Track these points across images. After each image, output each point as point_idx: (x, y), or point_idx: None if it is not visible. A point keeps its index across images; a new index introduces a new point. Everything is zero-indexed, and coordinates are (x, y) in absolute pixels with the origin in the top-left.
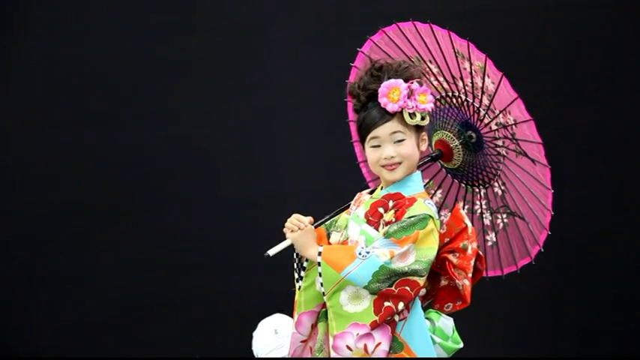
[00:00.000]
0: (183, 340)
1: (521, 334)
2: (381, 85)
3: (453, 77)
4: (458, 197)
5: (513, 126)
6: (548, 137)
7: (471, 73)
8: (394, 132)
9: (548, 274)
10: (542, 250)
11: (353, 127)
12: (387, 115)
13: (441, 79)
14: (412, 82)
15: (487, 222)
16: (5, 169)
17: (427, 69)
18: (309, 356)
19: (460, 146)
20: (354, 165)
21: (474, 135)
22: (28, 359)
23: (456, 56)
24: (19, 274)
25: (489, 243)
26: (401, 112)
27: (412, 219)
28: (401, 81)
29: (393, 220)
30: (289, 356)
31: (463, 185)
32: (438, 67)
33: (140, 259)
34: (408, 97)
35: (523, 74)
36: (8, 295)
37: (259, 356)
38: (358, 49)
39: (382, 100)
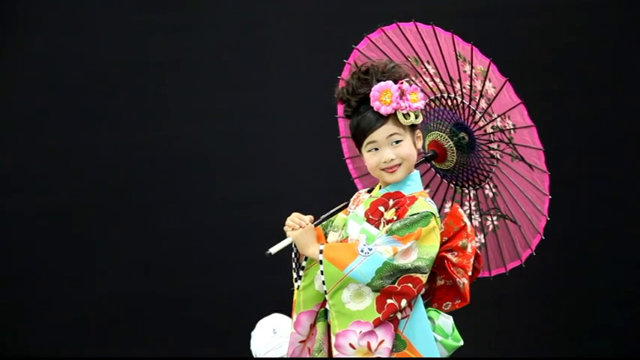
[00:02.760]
0: (182, 340)
1: (521, 333)
2: (372, 88)
3: (451, 79)
4: (446, 197)
5: (511, 130)
6: (547, 136)
7: (470, 76)
8: (391, 134)
9: (548, 274)
10: (535, 254)
11: (341, 123)
12: (381, 119)
13: (438, 80)
14: (402, 83)
15: (476, 223)
16: (3, 169)
17: (424, 69)
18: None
19: (454, 147)
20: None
21: (466, 136)
22: (26, 359)
23: (457, 58)
24: (17, 274)
25: (477, 244)
26: (395, 114)
27: (415, 216)
28: (391, 82)
29: (394, 218)
30: (288, 356)
31: (452, 186)
32: (436, 68)
33: (139, 259)
34: (400, 98)
35: (523, 74)
36: (7, 296)
37: (257, 356)
38: (354, 45)
39: (375, 104)
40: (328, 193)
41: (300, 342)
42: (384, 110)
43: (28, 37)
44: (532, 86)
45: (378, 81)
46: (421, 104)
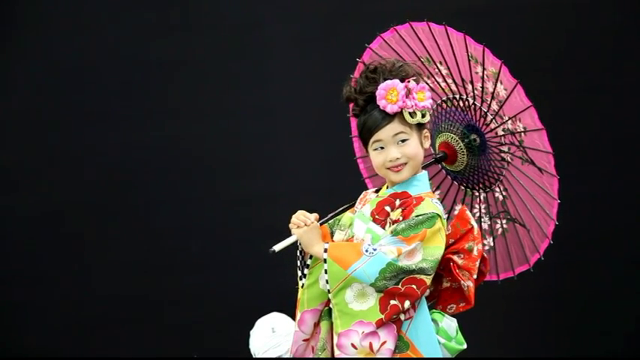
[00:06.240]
0: (181, 339)
1: (521, 334)
2: (378, 87)
3: (463, 80)
4: (456, 199)
5: (522, 133)
6: (550, 136)
7: (482, 77)
8: (397, 133)
9: (549, 274)
10: (543, 259)
11: (354, 123)
12: (387, 117)
13: (450, 80)
14: (409, 81)
15: (485, 226)
16: (2, 169)
17: (436, 70)
18: (312, 356)
19: (464, 149)
20: (353, 163)
21: (477, 138)
22: (24, 359)
23: (469, 60)
24: (15, 274)
25: (486, 247)
26: (401, 113)
27: (420, 217)
28: (397, 81)
29: (400, 218)
30: (291, 355)
31: (463, 188)
32: (448, 68)
33: (137, 259)
34: (407, 97)
35: (526, 72)
36: (6, 296)
37: (256, 355)
38: (367, 44)
39: (381, 103)
40: (329, 192)
41: (303, 340)
42: (390, 109)
43: (28, 37)
44: (532, 86)
45: (385, 79)
46: (428, 103)
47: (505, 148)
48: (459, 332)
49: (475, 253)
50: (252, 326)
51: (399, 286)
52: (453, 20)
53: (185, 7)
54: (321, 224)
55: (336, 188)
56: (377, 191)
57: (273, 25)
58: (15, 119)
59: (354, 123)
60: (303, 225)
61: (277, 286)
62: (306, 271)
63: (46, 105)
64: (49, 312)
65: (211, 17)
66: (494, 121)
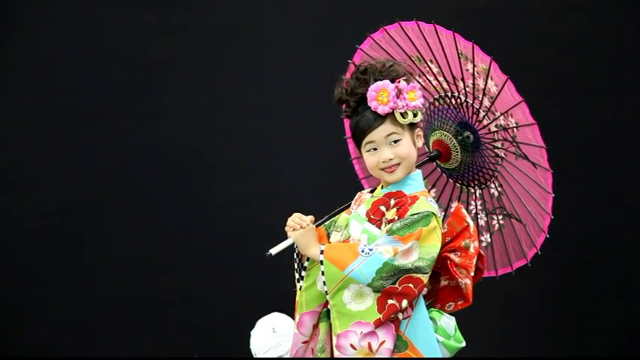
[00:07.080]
0: (182, 339)
1: (521, 333)
2: (369, 88)
3: (454, 78)
4: (452, 197)
5: (514, 129)
6: (550, 136)
7: (473, 74)
8: (389, 134)
9: (549, 274)
10: (540, 253)
11: (347, 124)
12: (379, 118)
13: (441, 78)
14: (399, 81)
15: (482, 222)
16: (2, 168)
17: (427, 68)
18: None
19: (458, 146)
20: (351, 164)
21: (471, 135)
22: (24, 359)
23: (459, 57)
24: (16, 274)
25: (484, 244)
26: (393, 113)
27: (415, 216)
28: (388, 82)
29: (396, 218)
30: (292, 356)
31: (458, 185)
32: (439, 66)
33: (137, 259)
34: (397, 97)
35: (525, 73)
36: (6, 295)
37: (257, 356)
38: (357, 45)
39: (372, 104)
40: (328, 193)
41: (302, 342)
42: (382, 110)
43: (28, 37)
44: (532, 86)
45: (376, 80)
46: (419, 102)
47: (499, 144)
48: (458, 330)
49: (472, 250)
50: (252, 326)
51: (396, 286)
52: (453, 20)
53: (185, 7)
54: (316, 226)
55: (337, 188)
56: (372, 191)
57: (272, 25)
58: (15, 119)
59: (347, 124)
60: (299, 227)
61: (277, 286)
62: (303, 273)
63: (46, 105)
64: (49, 312)
65: (211, 17)
66: (486, 117)
